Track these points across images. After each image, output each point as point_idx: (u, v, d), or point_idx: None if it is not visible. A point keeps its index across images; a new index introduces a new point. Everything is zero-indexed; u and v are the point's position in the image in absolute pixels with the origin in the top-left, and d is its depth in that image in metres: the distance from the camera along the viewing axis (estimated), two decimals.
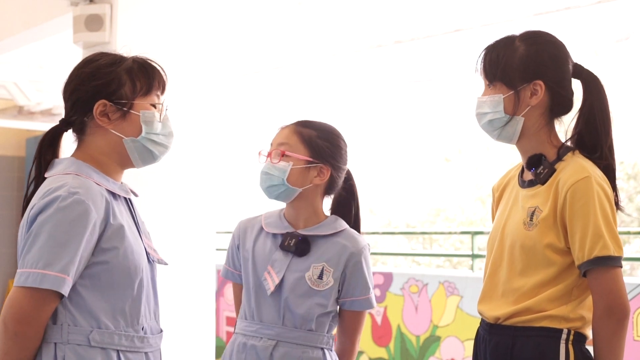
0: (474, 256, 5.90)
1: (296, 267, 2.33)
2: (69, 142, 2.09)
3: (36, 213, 1.86)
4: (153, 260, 2.04)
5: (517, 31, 2.18)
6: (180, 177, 4.46)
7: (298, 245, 2.34)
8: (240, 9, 5.52)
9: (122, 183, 2.08)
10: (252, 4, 5.60)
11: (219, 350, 6.50)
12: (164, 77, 2.06)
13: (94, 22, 4.27)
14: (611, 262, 1.99)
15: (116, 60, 2.01)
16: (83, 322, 1.88)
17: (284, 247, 2.35)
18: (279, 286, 2.31)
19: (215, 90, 4.68)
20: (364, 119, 14.85)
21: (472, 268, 5.95)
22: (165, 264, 2.10)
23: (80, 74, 2.00)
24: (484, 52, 2.17)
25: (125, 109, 1.98)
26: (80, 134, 2.03)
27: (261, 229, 2.42)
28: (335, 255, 2.34)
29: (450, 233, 11.97)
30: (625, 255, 2.23)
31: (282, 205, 2.46)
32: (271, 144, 2.40)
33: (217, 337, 6.66)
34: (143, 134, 1.99)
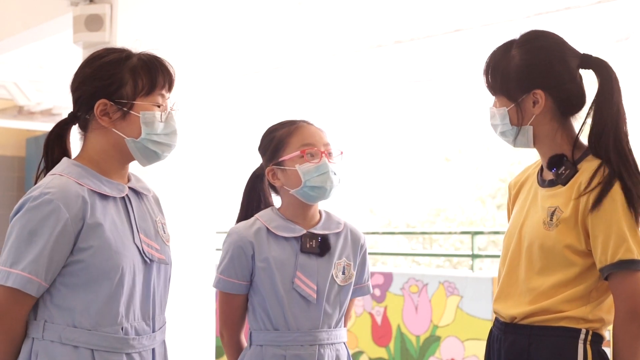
0: (474, 256, 5.90)
1: (323, 268, 2.31)
2: (76, 138, 2.10)
3: (14, 213, 1.91)
4: (151, 260, 2.02)
5: (518, 33, 2.14)
6: (180, 178, 4.46)
7: (321, 246, 2.31)
8: (240, 9, 5.52)
9: (130, 180, 2.08)
10: (252, 4, 5.60)
11: (219, 350, 6.50)
12: (172, 74, 2.05)
13: (94, 22, 4.27)
14: (634, 266, 1.96)
15: (121, 58, 2.00)
16: (60, 319, 1.90)
17: (306, 250, 2.30)
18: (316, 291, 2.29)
19: (215, 91, 4.68)
20: (364, 119, 14.85)
21: (472, 268, 5.95)
22: (166, 263, 2.08)
23: (84, 72, 2.01)
24: (487, 60, 2.15)
25: (125, 109, 1.97)
26: (84, 130, 2.04)
27: (268, 234, 2.32)
28: (351, 249, 2.37)
29: (450, 233, 11.98)
30: None
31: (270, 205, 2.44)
32: (310, 145, 2.29)
33: (217, 337, 6.65)
34: (143, 135, 1.99)
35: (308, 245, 2.30)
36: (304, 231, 2.32)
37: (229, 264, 2.31)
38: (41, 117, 8.11)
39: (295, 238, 2.31)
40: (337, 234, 2.36)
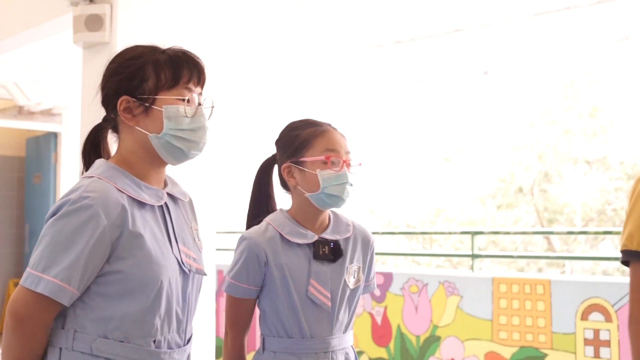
0: (474, 256, 5.90)
1: (336, 274, 2.28)
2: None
3: (49, 215, 1.82)
4: (190, 271, 1.95)
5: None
6: (180, 178, 4.46)
7: (334, 253, 2.28)
8: (241, 9, 5.52)
9: (167, 185, 2.02)
10: (252, 4, 5.60)
11: (219, 350, 6.49)
12: (201, 67, 1.98)
13: (94, 22, 4.27)
14: None
15: (145, 52, 1.94)
16: (91, 329, 1.82)
17: (319, 257, 2.26)
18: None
19: (215, 90, 4.68)
20: (364, 119, 14.84)
21: (472, 268, 5.95)
22: (204, 274, 2.01)
23: (109, 69, 1.95)
24: None
25: (147, 104, 1.89)
26: (116, 132, 1.97)
27: (281, 240, 2.27)
28: (361, 252, 2.37)
29: (450, 233, 11.96)
30: None
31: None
32: (334, 152, 2.26)
33: (217, 337, 6.66)
34: (165, 130, 1.90)
35: (321, 252, 2.26)
36: (316, 237, 2.28)
37: (242, 269, 2.26)
38: (41, 117, 8.11)
39: (307, 244, 2.28)
40: (347, 239, 2.35)
